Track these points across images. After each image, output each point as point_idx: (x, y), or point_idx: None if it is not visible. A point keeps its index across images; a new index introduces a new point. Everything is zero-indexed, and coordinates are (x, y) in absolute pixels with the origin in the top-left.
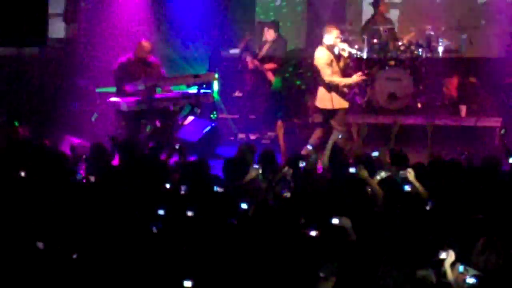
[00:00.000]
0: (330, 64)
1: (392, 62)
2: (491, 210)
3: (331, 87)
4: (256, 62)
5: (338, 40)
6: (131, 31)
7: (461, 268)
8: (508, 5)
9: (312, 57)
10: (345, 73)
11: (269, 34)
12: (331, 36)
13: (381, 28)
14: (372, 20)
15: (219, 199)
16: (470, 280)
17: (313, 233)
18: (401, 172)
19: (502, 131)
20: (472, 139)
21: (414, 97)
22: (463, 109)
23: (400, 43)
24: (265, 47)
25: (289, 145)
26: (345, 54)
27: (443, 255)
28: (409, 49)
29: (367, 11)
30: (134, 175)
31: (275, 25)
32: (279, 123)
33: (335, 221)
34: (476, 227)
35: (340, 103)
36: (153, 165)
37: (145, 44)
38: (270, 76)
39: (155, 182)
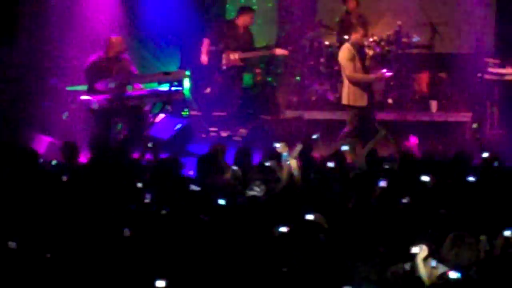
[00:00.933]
0: (353, 60)
1: None
2: (461, 204)
3: (352, 83)
4: (237, 57)
5: (364, 39)
6: (102, 29)
7: (433, 263)
8: (478, 0)
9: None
10: (368, 71)
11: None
12: (357, 35)
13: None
14: (346, 17)
15: (194, 197)
16: (453, 275)
17: (283, 229)
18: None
19: (475, 126)
20: (442, 134)
21: (385, 92)
22: (434, 104)
23: (371, 39)
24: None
25: (261, 142)
26: (370, 53)
27: (415, 250)
28: (379, 45)
29: (338, 8)
30: (105, 173)
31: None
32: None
33: (309, 217)
34: (445, 221)
35: (356, 100)
36: (125, 163)
37: (114, 39)
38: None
39: (126, 180)
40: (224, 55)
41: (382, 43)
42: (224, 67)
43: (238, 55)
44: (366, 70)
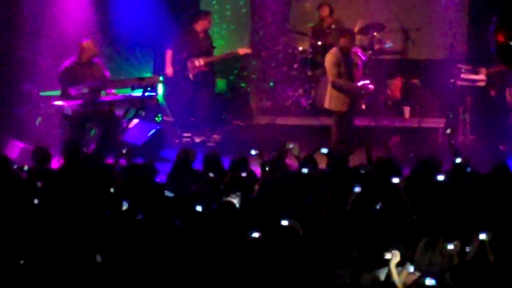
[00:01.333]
0: (338, 65)
1: None
2: (433, 209)
3: (334, 88)
4: (202, 62)
5: (352, 44)
6: (75, 35)
7: (410, 268)
8: (450, 6)
9: (256, 59)
10: (353, 78)
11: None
12: (345, 40)
13: (328, 30)
14: (320, 23)
15: (169, 203)
16: (429, 282)
17: (255, 234)
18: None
19: (448, 131)
20: (415, 140)
21: (358, 98)
22: (407, 110)
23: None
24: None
25: (233, 147)
26: (357, 60)
27: (388, 256)
28: (365, 52)
29: (311, 14)
30: (78, 179)
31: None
32: None
33: (284, 223)
34: (418, 227)
35: (337, 105)
36: (98, 168)
37: (85, 44)
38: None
39: (100, 186)
40: (188, 63)
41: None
42: (190, 75)
43: (202, 60)
44: (351, 76)
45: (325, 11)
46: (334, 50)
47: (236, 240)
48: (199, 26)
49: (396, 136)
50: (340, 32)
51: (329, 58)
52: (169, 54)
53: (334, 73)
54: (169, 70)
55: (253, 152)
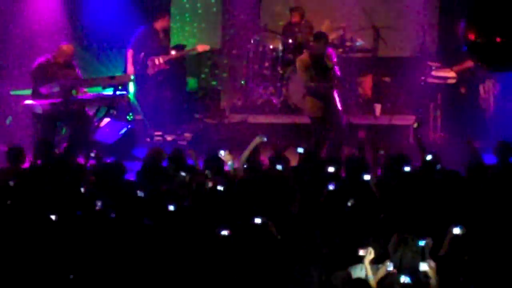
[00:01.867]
0: (307, 69)
1: None
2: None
3: (308, 92)
4: (161, 61)
5: (321, 47)
6: (45, 34)
7: (390, 266)
8: (420, 4)
9: (227, 57)
10: (327, 79)
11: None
12: (319, 44)
13: (298, 34)
14: (288, 25)
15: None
16: (404, 279)
17: (224, 232)
18: None
19: (415, 125)
20: (387, 137)
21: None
22: (378, 108)
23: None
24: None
25: (205, 146)
26: (329, 62)
27: (362, 253)
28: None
29: (283, 12)
30: (49, 178)
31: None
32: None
33: (257, 220)
34: (389, 224)
35: (312, 111)
36: (69, 167)
37: (66, 47)
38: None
39: (70, 184)
40: (148, 62)
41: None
42: (151, 73)
43: (162, 59)
44: (324, 78)
45: (296, 18)
46: (302, 56)
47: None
48: (159, 24)
49: (362, 132)
50: (314, 36)
51: (298, 65)
52: (129, 54)
53: (305, 79)
54: (130, 69)
55: (222, 153)
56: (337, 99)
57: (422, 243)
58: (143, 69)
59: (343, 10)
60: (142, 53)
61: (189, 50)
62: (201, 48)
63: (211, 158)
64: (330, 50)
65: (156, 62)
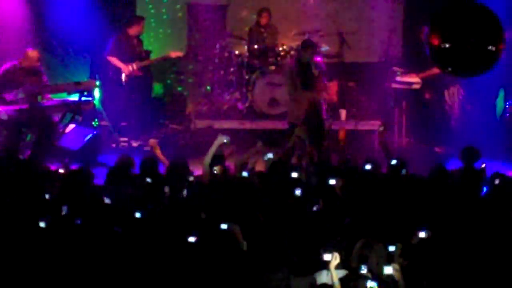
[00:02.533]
0: (291, 78)
1: (273, 68)
2: (369, 211)
3: (290, 100)
4: (135, 67)
5: (308, 55)
6: (10, 39)
7: (363, 268)
8: (385, 10)
9: (193, 63)
10: (310, 86)
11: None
12: (307, 53)
13: (264, 35)
14: (255, 27)
15: (107, 209)
16: (371, 284)
17: (191, 239)
18: None
19: (381, 128)
20: (352, 142)
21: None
22: (343, 113)
23: (280, 49)
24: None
25: (171, 151)
26: (315, 71)
27: (327, 257)
28: (288, 54)
29: (248, 18)
30: (14, 184)
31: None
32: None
33: (223, 226)
34: (354, 229)
35: (293, 118)
36: (33, 173)
37: (32, 53)
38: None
39: (35, 191)
40: (125, 67)
41: (292, 53)
42: (125, 79)
43: (135, 65)
44: (308, 86)
45: (265, 19)
46: (288, 65)
47: (174, 244)
48: (133, 30)
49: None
50: (301, 44)
51: (286, 72)
52: (112, 59)
53: (289, 88)
54: (127, 69)
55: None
56: (323, 107)
57: (392, 248)
58: (117, 74)
59: (308, 16)
60: (118, 58)
61: (162, 57)
62: (174, 54)
63: (175, 165)
64: (318, 59)
65: (130, 68)
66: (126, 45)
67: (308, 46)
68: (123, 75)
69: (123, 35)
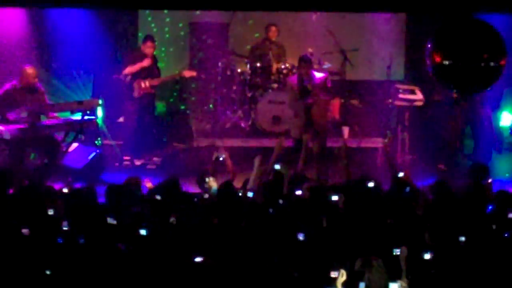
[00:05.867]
0: (292, 90)
1: (275, 85)
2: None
3: (294, 113)
4: (147, 84)
5: (305, 71)
6: (12, 58)
7: (362, 286)
8: (387, 27)
9: (196, 81)
10: (304, 98)
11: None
12: (299, 66)
13: (271, 52)
14: (261, 45)
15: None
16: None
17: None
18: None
19: (386, 140)
20: (355, 160)
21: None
22: (346, 130)
23: (282, 66)
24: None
25: (174, 170)
26: (309, 85)
27: (334, 274)
28: (291, 72)
29: (250, 36)
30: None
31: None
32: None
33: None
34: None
35: (294, 132)
36: (37, 192)
37: (30, 70)
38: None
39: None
40: (135, 84)
41: (294, 71)
42: (136, 96)
43: (148, 82)
44: (302, 98)
45: (275, 33)
46: (289, 81)
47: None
48: (145, 49)
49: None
50: (298, 59)
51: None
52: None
53: (289, 100)
54: (139, 84)
55: (206, 179)
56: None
57: (397, 251)
58: (128, 90)
59: (310, 33)
60: (129, 76)
61: (175, 75)
62: (188, 74)
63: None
64: (313, 73)
65: (142, 85)
66: (138, 62)
67: (300, 60)
68: (136, 91)
69: (137, 52)
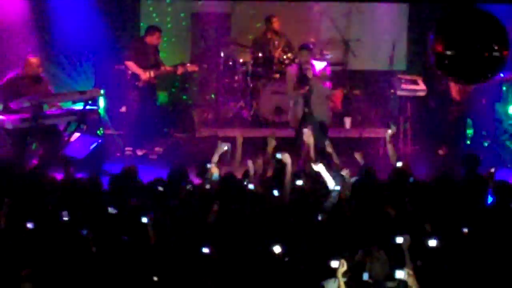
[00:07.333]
0: (292, 80)
1: (277, 76)
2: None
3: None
4: (152, 74)
5: (305, 59)
6: (15, 49)
7: (365, 276)
8: (389, 17)
9: (197, 71)
10: (301, 87)
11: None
12: (300, 55)
13: (276, 43)
14: (263, 35)
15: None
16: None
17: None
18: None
19: (389, 131)
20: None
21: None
22: (348, 121)
23: (284, 57)
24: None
25: (176, 160)
26: (309, 73)
27: (334, 264)
28: (293, 62)
29: (252, 26)
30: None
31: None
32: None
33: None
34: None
35: (291, 121)
36: (39, 182)
37: (33, 60)
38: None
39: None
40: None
41: (296, 61)
42: (141, 85)
43: (153, 72)
44: (301, 86)
45: (278, 23)
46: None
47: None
48: (148, 40)
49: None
50: (299, 47)
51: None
52: (131, 64)
53: (288, 89)
54: (145, 75)
55: (208, 165)
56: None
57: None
58: (133, 80)
59: (313, 24)
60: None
61: (179, 67)
62: (190, 68)
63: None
64: (312, 62)
65: (147, 75)
66: (142, 52)
67: (302, 48)
68: (140, 81)
69: (141, 42)
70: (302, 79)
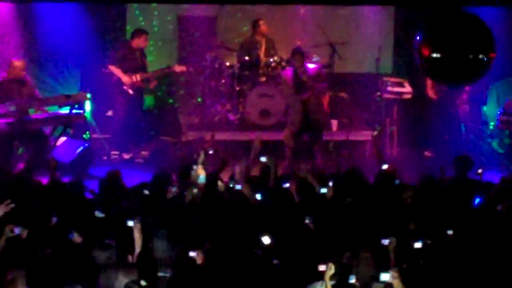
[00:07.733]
0: (288, 84)
1: (264, 79)
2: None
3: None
4: (138, 78)
5: (296, 61)
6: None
7: (352, 279)
8: (376, 20)
9: (184, 75)
10: (301, 92)
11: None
12: (294, 59)
13: (263, 46)
14: (250, 39)
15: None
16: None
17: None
18: None
19: (375, 133)
20: (343, 153)
21: (286, 113)
22: (334, 123)
23: (271, 60)
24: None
25: (162, 163)
26: (304, 76)
27: (322, 268)
28: (280, 65)
29: (239, 29)
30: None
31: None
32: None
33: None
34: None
35: (289, 124)
36: (25, 186)
37: (17, 63)
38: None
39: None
40: (126, 78)
41: (283, 64)
42: (126, 89)
43: (139, 76)
44: (299, 91)
45: (265, 27)
46: (282, 75)
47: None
48: (135, 43)
49: None
50: (291, 51)
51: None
52: (113, 68)
53: (285, 93)
54: (129, 79)
55: (195, 167)
56: (321, 110)
57: (386, 242)
58: (121, 84)
59: (299, 27)
60: (121, 69)
61: (165, 70)
62: (178, 68)
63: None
64: (306, 65)
65: (134, 79)
66: (128, 56)
67: (295, 52)
68: (127, 85)
69: (127, 46)
70: (300, 83)
